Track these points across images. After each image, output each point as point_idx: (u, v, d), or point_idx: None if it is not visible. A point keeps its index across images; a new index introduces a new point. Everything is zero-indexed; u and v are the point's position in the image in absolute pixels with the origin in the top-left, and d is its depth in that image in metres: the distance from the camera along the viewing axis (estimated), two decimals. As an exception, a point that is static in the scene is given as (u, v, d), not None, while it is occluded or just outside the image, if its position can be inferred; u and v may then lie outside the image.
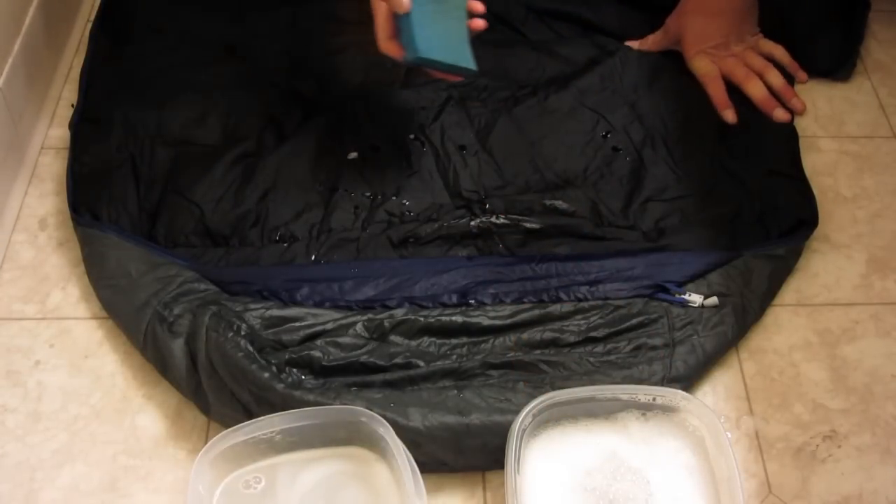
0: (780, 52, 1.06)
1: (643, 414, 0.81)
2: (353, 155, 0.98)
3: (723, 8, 1.04)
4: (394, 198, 0.95)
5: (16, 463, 0.81)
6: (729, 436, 0.80)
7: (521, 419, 0.76)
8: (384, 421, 0.76)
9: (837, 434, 0.84)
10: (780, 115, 1.01)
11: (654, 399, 0.80)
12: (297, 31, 1.10)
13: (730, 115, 1.01)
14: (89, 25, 1.12)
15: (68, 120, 1.02)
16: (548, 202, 0.94)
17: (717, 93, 1.02)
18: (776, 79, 1.03)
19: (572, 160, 0.99)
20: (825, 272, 0.95)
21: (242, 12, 1.12)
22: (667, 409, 0.81)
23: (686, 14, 1.04)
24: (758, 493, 0.81)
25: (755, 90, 1.02)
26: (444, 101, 1.03)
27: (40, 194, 0.99)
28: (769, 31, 1.07)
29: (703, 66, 1.03)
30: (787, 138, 1.01)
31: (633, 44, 1.07)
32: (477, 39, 0.89)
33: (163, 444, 0.83)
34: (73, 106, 1.04)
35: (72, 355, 0.88)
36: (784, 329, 0.91)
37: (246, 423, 0.77)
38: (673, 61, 1.07)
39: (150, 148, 0.98)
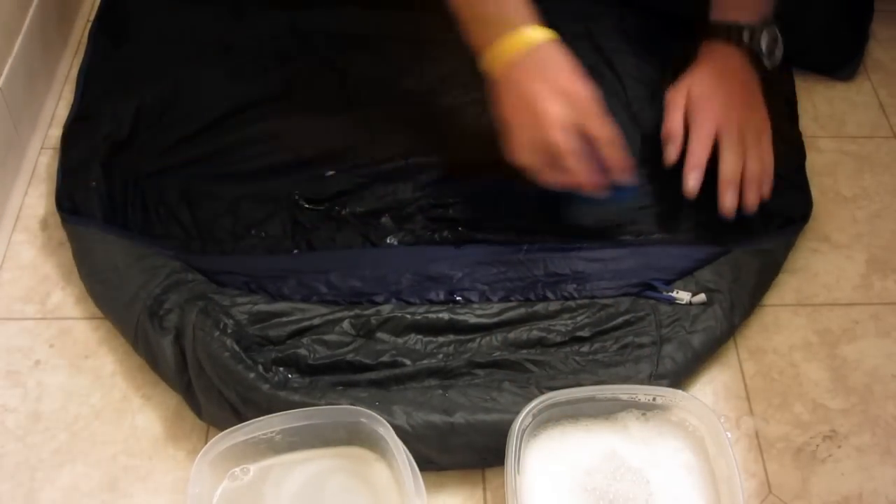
0: (769, 157, 0.93)
1: (643, 414, 0.81)
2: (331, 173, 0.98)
3: (726, 69, 0.95)
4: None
5: (16, 463, 0.81)
6: (729, 436, 0.80)
7: (521, 419, 0.76)
8: (384, 421, 0.76)
9: (837, 434, 0.84)
10: (728, 203, 0.90)
11: (654, 399, 0.80)
12: (295, 34, 1.10)
13: (692, 181, 0.90)
14: (89, 25, 1.12)
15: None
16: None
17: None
18: (754, 165, 0.91)
19: None
20: (825, 272, 0.95)
21: (241, 13, 1.12)
22: (667, 409, 0.80)
23: (691, 76, 0.95)
24: (758, 493, 0.81)
25: (729, 167, 0.90)
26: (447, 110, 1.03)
27: (40, 194, 0.99)
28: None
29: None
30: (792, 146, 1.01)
31: (672, 155, 0.93)
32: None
33: (163, 444, 0.83)
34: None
35: (72, 355, 0.88)
36: (784, 329, 0.91)
37: (245, 423, 0.77)
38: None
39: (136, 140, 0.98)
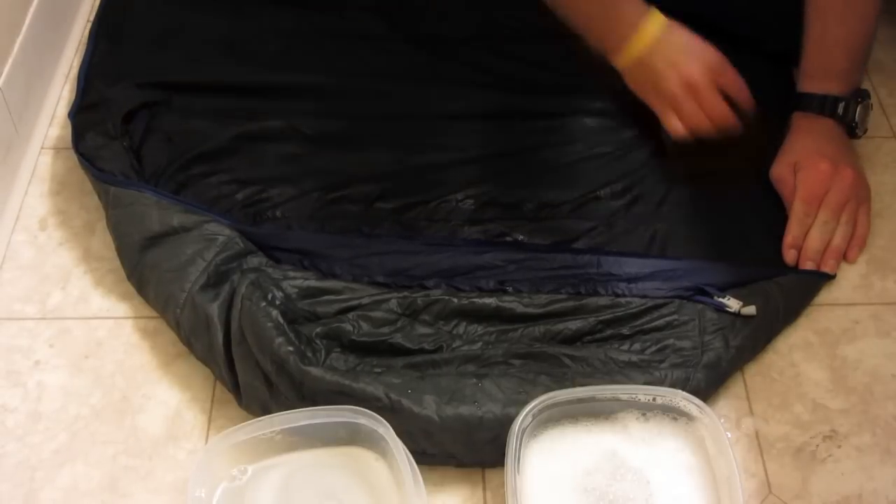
0: (864, 229, 0.96)
1: (643, 414, 0.81)
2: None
3: (823, 137, 0.97)
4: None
5: (16, 463, 0.81)
6: (729, 436, 0.80)
7: (521, 419, 0.76)
8: (384, 421, 0.76)
9: (837, 434, 0.84)
10: (807, 266, 0.92)
11: (654, 399, 0.80)
12: (297, 33, 1.10)
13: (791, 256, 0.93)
14: (89, 25, 1.12)
15: (68, 121, 1.01)
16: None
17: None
18: (839, 241, 0.93)
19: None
20: (825, 272, 0.95)
21: (243, 12, 1.12)
22: (667, 409, 0.81)
23: (793, 148, 0.97)
24: (758, 493, 0.81)
25: (813, 244, 0.92)
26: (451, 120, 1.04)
27: (40, 194, 0.99)
28: (773, 30, 1.06)
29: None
30: None
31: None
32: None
33: (163, 444, 0.83)
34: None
35: (72, 355, 0.88)
36: (784, 329, 0.90)
37: (246, 423, 0.77)
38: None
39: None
